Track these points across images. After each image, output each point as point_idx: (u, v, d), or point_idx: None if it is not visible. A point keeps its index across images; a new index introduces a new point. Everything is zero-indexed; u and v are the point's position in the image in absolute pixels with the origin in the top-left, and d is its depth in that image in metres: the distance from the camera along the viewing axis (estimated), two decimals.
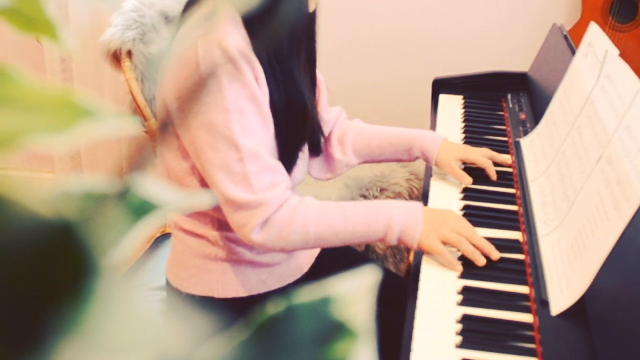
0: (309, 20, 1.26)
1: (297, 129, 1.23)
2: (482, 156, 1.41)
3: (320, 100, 1.41)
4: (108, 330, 0.21)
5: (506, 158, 1.45)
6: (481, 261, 1.13)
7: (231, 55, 1.09)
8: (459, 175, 1.38)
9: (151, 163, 0.26)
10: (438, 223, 1.14)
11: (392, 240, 1.15)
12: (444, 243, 1.13)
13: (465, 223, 1.17)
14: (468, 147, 1.45)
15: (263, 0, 1.10)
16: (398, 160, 1.47)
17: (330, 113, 1.47)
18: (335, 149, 1.45)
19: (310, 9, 1.23)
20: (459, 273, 1.12)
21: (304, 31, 1.25)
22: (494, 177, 1.40)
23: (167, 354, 0.22)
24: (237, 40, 1.11)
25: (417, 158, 1.44)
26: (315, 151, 1.37)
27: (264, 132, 1.15)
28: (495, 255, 1.14)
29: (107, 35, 1.72)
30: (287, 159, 1.22)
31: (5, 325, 0.20)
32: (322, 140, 1.39)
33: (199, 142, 1.13)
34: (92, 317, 0.21)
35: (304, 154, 1.30)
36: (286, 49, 1.19)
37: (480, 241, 1.14)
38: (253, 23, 1.14)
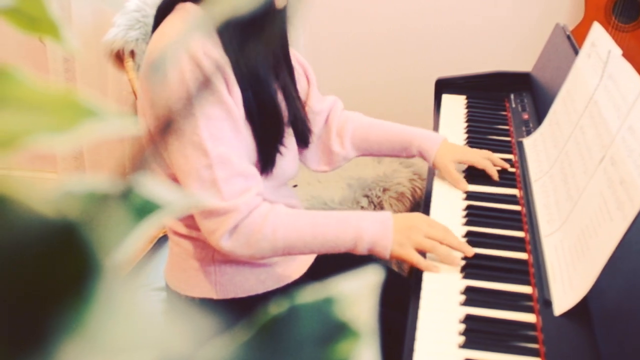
0: (279, 19, 1.24)
1: (270, 127, 1.22)
2: (482, 157, 1.41)
3: (310, 91, 1.40)
4: (110, 331, 0.21)
5: (505, 163, 1.44)
6: (456, 263, 1.13)
7: (200, 61, 1.08)
8: (455, 178, 1.37)
9: (153, 163, 0.26)
10: (409, 230, 1.14)
11: (363, 251, 1.14)
12: (418, 249, 1.13)
13: (436, 225, 1.16)
14: (467, 149, 1.44)
15: (249, 10, 1.10)
16: (396, 156, 1.47)
17: (323, 103, 1.45)
18: (334, 142, 1.44)
19: (280, 6, 1.20)
20: (462, 273, 1.12)
21: (270, 30, 1.23)
22: (495, 177, 1.40)
23: (170, 354, 0.22)
24: (207, 46, 1.10)
25: (414, 156, 1.43)
26: (303, 144, 1.35)
27: (236, 138, 1.14)
28: (470, 252, 1.14)
29: (110, 35, 1.72)
30: (266, 157, 1.21)
31: (7, 325, 0.20)
32: (310, 132, 1.37)
33: (170, 149, 1.13)
34: (94, 317, 0.21)
35: (289, 150, 1.29)
36: (252, 50, 1.18)
37: (453, 241, 1.14)
38: (230, 29, 1.13)
